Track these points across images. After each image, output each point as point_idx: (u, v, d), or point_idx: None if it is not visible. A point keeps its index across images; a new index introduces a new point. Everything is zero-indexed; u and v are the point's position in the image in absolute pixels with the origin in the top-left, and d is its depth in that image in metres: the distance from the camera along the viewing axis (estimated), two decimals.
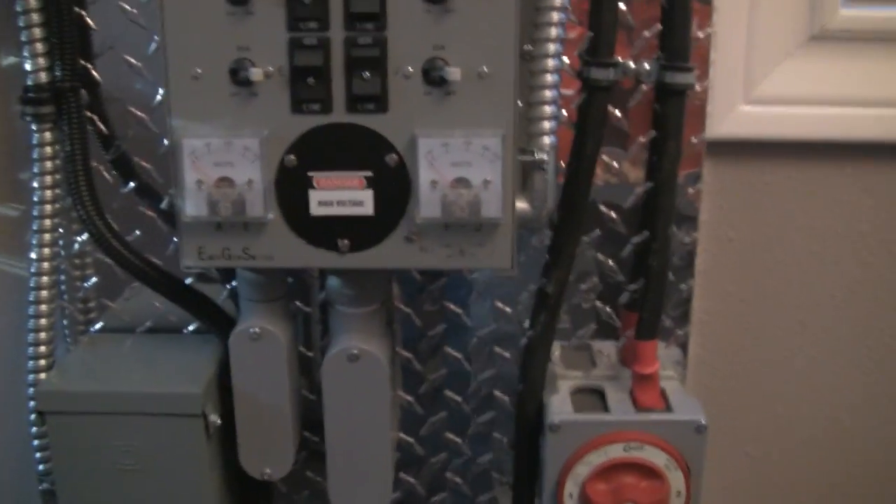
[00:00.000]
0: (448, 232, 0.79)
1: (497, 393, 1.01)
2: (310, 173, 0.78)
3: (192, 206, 0.78)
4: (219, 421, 0.90)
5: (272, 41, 0.75)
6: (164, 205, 0.94)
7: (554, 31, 0.79)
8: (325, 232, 0.79)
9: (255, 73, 0.75)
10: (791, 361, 1.06)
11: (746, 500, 1.13)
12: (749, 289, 1.03)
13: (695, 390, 1.02)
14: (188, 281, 0.94)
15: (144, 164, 0.94)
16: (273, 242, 0.80)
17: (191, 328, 0.99)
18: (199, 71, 0.76)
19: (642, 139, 0.92)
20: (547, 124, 0.81)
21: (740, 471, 1.11)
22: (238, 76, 0.75)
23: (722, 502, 1.11)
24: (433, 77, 0.75)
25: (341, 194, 0.78)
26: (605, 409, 0.91)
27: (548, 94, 0.81)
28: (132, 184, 0.95)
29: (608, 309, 0.98)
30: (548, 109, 0.81)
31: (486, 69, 0.75)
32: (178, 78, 0.77)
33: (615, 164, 0.94)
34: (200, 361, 0.93)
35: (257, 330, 0.88)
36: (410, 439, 1.04)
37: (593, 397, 0.94)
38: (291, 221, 0.79)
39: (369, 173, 0.77)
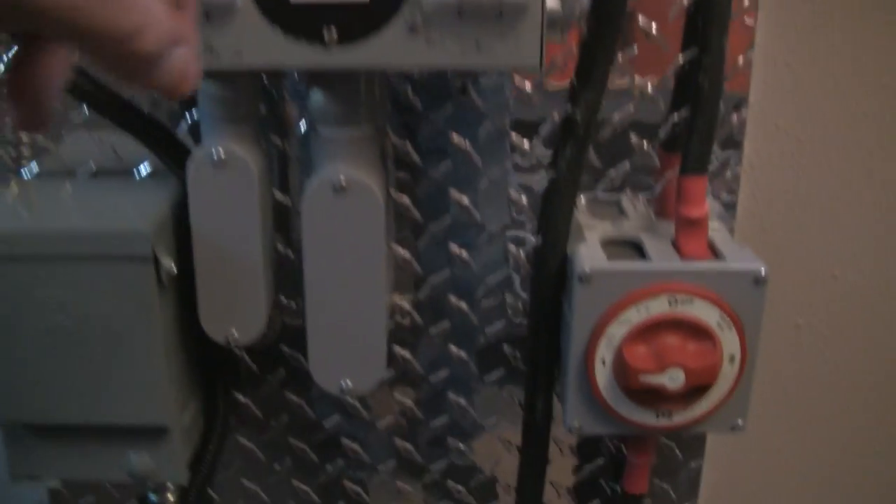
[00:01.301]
0: (462, 20, 0.63)
1: (511, 247, 0.86)
2: None
3: None
4: (174, 269, 0.75)
5: None
6: None
7: None
8: (307, 19, 0.64)
9: None
10: (854, 215, 0.90)
11: (794, 380, 0.97)
12: (807, 125, 0.87)
13: None
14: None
15: None
16: (242, 35, 0.64)
17: (144, 170, 0.83)
18: None
19: None
20: None
21: (787, 346, 0.96)
22: None
23: (763, 382, 0.96)
24: None
25: None
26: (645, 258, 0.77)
27: None
28: None
29: (645, 145, 0.82)
30: None
31: None
32: None
33: None
34: (153, 201, 0.78)
35: (222, 153, 0.72)
36: (406, 306, 0.89)
37: (628, 249, 0.79)
38: (264, 6, 0.63)
39: None
